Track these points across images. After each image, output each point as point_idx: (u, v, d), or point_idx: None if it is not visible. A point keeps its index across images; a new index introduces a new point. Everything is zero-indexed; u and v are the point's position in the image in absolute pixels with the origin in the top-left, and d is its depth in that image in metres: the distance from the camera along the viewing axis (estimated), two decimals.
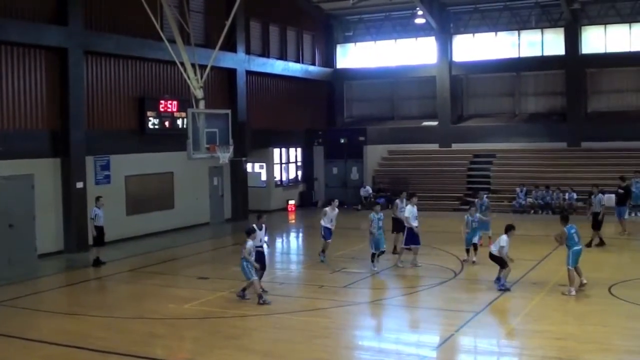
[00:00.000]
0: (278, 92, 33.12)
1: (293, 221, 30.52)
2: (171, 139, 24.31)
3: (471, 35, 35.22)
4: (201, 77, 20.24)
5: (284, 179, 33.94)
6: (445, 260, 19.13)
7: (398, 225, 19.26)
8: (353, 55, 37.82)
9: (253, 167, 32.35)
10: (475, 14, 34.91)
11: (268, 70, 31.77)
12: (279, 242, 24.67)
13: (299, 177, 35.04)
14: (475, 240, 18.64)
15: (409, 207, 18.56)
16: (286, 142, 33.82)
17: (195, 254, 21.76)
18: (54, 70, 21.26)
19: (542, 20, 33.74)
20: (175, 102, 25.35)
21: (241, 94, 29.30)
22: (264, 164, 32.81)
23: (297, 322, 13.49)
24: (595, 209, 20.99)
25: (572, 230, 15.23)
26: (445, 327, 13.11)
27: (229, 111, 21.32)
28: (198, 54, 21.34)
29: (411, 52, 36.20)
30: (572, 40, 32.78)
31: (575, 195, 28.54)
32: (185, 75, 20.14)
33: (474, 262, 18.26)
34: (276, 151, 33.30)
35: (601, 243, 20.75)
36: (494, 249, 15.67)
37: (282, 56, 33.21)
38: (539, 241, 21.51)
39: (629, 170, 26.64)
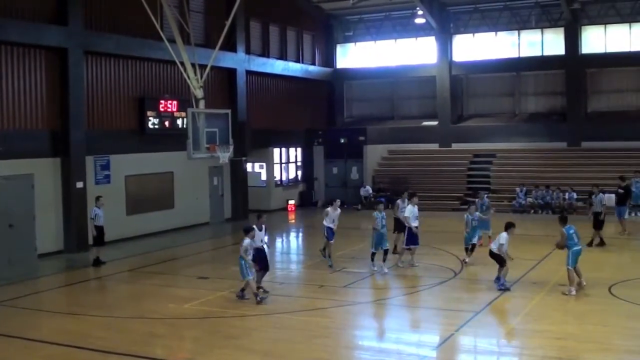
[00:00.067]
0: (278, 92, 33.12)
1: (293, 221, 30.52)
2: (171, 139, 24.31)
3: (471, 35, 35.22)
4: (201, 77, 20.25)
5: (284, 178, 33.95)
6: (445, 260, 19.13)
7: (399, 225, 19.25)
8: (353, 55, 37.83)
9: (253, 167, 32.36)
10: (475, 13, 34.91)
11: (268, 70, 31.78)
12: (279, 242, 24.68)
13: (299, 177, 35.05)
14: (475, 240, 18.63)
15: (409, 207, 18.55)
16: (286, 142, 33.82)
17: (195, 254, 21.77)
18: (54, 70, 21.27)
19: (542, 20, 33.75)
20: (175, 102, 25.35)
21: (241, 94, 29.30)
22: (264, 164, 32.82)
23: (297, 322, 13.49)
24: (596, 208, 21.01)
25: (571, 231, 15.24)
26: (445, 327, 13.11)
27: (229, 111, 21.33)
28: (198, 53, 21.34)
29: (411, 52, 36.20)
30: (572, 40, 32.78)
31: (575, 195, 28.56)
32: (185, 75, 20.14)
33: (465, 262, 18.19)
34: (276, 151, 33.30)
35: (601, 243, 20.75)
36: (493, 247, 15.68)
37: (282, 56, 33.21)
38: (539, 241, 21.51)
39: (629, 170, 26.64)
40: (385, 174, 34.39)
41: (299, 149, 34.99)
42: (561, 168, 31.28)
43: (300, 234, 28.07)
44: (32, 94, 20.75)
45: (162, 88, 25.54)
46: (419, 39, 36.00)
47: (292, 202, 33.18)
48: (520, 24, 34.19)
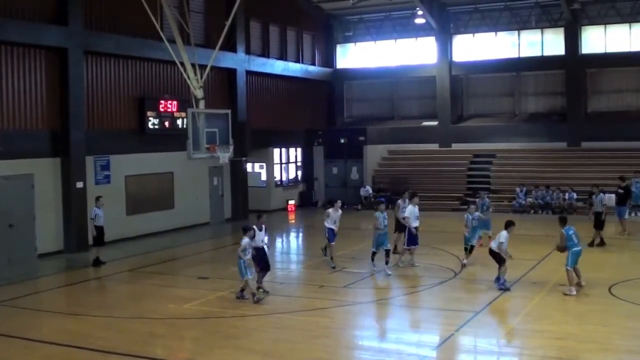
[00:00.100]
0: (278, 92, 33.12)
1: (293, 221, 30.52)
2: (171, 139, 24.31)
3: (471, 35, 35.22)
4: (201, 77, 20.24)
5: (284, 179, 33.94)
6: (445, 260, 19.13)
7: (400, 224, 19.24)
8: (353, 55, 37.82)
9: (253, 167, 32.35)
10: (475, 14, 34.91)
11: (268, 70, 31.78)
12: (279, 242, 24.68)
13: (299, 177, 35.04)
14: (474, 241, 18.58)
15: (409, 207, 18.54)
16: (286, 142, 33.82)
17: (195, 254, 21.77)
18: (54, 70, 21.27)
19: (542, 20, 33.74)
20: (175, 102, 25.35)
21: (241, 94, 29.30)
22: (264, 164, 32.81)
23: (297, 322, 13.49)
24: (597, 208, 21.02)
25: (571, 232, 15.24)
26: (445, 327, 13.11)
27: (229, 111, 21.32)
28: (198, 54, 21.34)
29: (411, 52, 36.20)
30: (572, 40, 32.78)
31: (575, 195, 28.56)
32: (185, 75, 20.14)
33: (464, 264, 18.13)
34: (276, 151, 33.30)
35: (601, 243, 20.76)
36: (493, 245, 15.70)
37: (282, 56, 33.21)
38: (539, 241, 21.53)
39: (629, 170, 26.65)
40: (385, 174, 34.39)
41: (299, 149, 34.99)
42: (561, 168, 31.28)
43: (300, 234, 28.07)
44: (32, 94, 20.75)
45: (162, 88, 25.54)
46: (419, 39, 36.00)
47: (292, 202, 33.17)
48: (520, 24, 34.19)
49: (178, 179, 26.23)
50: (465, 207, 22.30)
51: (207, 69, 20.77)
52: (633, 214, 25.91)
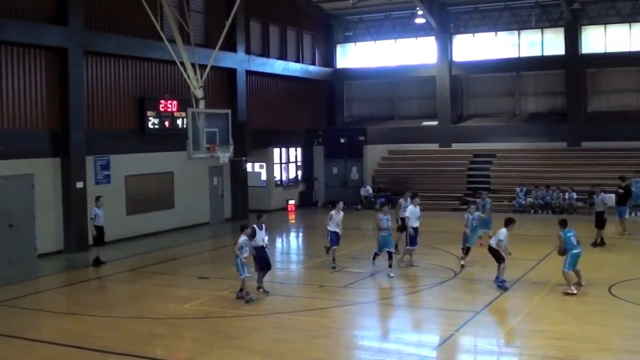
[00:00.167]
0: (278, 92, 33.12)
1: (293, 221, 30.52)
2: (171, 139, 24.31)
3: (471, 35, 35.21)
4: (201, 77, 20.24)
5: (284, 178, 33.94)
6: (445, 260, 19.13)
7: (402, 224, 19.22)
8: (353, 55, 37.82)
9: (253, 167, 32.36)
10: (475, 13, 34.91)
11: (268, 70, 31.78)
12: (279, 242, 24.67)
13: (299, 177, 35.04)
14: (471, 243, 18.50)
15: (410, 207, 18.54)
16: (286, 142, 33.82)
17: (195, 254, 21.77)
18: (54, 70, 21.26)
19: (542, 20, 33.73)
20: (175, 102, 25.35)
21: (241, 94, 29.30)
22: (264, 164, 32.82)
23: (297, 322, 13.49)
24: (598, 208, 21.04)
25: (570, 234, 15.24)
26: (445, 327, 13.11)
27: (229, 111, 21.33)
28: (198, 53, 21.34)
29: (411, 52, 36.20)
30: (572, 40, 32.78)
31: (575, 195, 28.57)
32: (185, 75, 20.14)
33: (462, 265, 18.09)
34: (276, 151, 33.30)
35: (602, 243, 20.77)
36: (493, 242, 15.71)
37: (282, 56, 33.21)
38: (539, 241, 21.53)
39: (629, 170, 26.64)
40: (385, 174, 34.39)
41: (299, 149, 34.99)
42: (561, 168, 31.28)
43: (300, 234, 28.07)
44: (32, 94, 20.75)
45: (162, 88, 25.54)
46: (419, 39, 35.99)
47: (292, 202, 33.17)
48: (520, 24, 34.18)
49: (178, 179, 26.23)
50: (465, 207, 22.29)
51: (207, 69, 20.78)
52: (633, 214, 25.91)
